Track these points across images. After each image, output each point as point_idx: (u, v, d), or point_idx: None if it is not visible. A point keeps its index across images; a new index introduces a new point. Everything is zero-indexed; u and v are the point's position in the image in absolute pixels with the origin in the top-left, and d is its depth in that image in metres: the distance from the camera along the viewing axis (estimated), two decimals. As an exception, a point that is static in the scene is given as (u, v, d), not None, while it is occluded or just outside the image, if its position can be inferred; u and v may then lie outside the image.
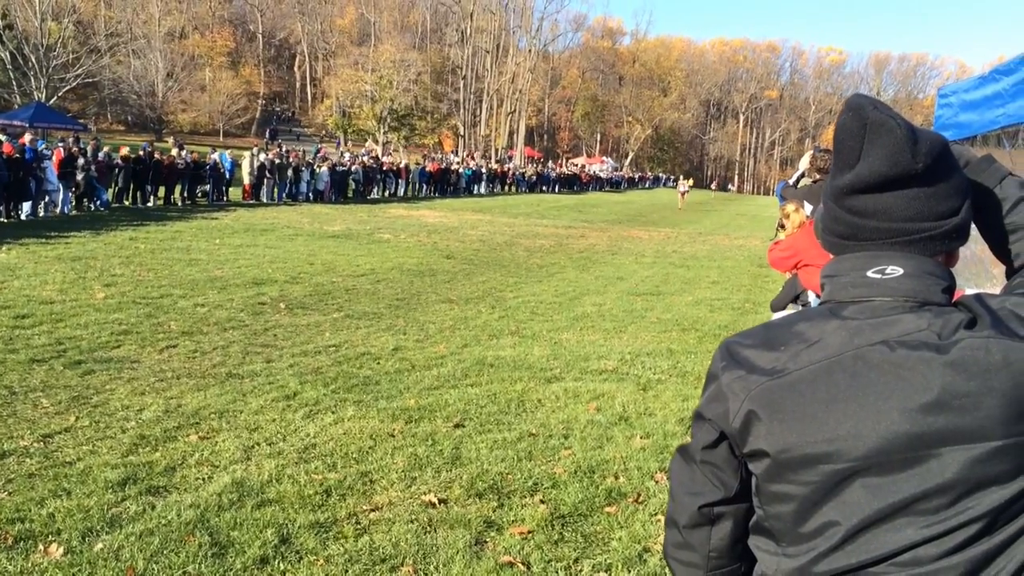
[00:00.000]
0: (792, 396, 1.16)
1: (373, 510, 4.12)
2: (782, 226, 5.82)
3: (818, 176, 6.29)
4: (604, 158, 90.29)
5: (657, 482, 4.67)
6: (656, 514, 4.24)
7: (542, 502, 4.31)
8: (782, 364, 1.19)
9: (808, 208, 5.68)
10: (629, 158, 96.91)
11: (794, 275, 5.76)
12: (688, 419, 5.91)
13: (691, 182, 60.70)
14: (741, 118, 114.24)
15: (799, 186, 7.24)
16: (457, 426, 5.49)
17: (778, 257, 5.44)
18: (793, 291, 6.25)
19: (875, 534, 1.11)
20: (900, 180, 1.16)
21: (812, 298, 5.67)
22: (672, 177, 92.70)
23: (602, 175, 68.50)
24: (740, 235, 27.00)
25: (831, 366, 1.15)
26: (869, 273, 1.19)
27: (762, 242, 23.09)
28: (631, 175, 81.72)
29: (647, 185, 78.54)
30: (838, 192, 1.22)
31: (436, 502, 4.23)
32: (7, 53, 47.76)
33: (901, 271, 1.18)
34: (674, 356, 8.12)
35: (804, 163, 7.33)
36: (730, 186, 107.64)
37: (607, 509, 4.28)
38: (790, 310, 6.37)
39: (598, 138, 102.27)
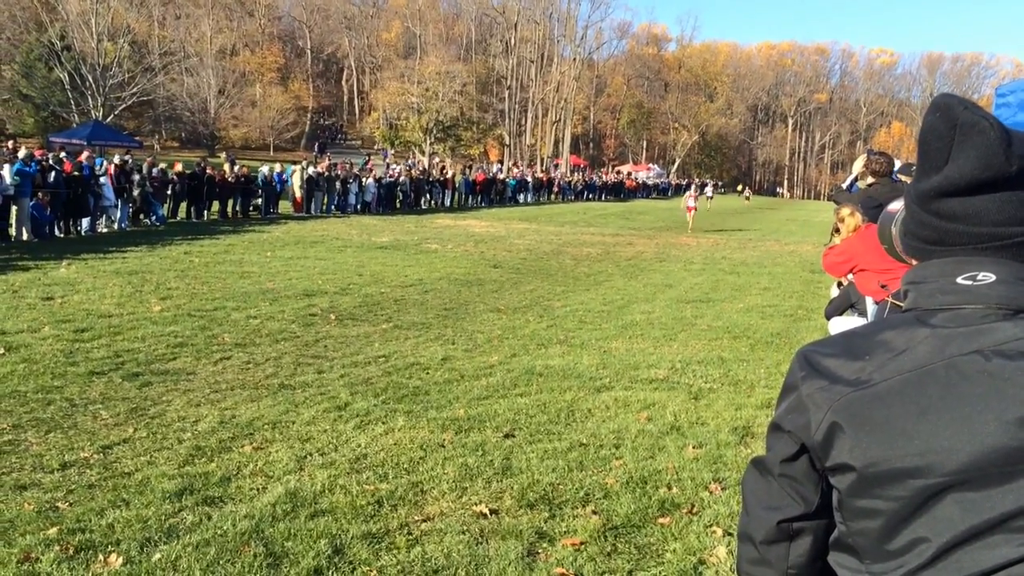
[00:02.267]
0: (880, 408, 1.11)
1: (425, 520, 4.11)
2: (837, 230, 5.70)
3: (872, 179, 6.16)
4: (651, 165, 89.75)
5: (711, 493, 4.59)
6: (711, 525, 4.17)
7: (594, 513, 4.27)
8: (867, 374, 1.14)
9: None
10: (676, 164, 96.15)
11: (850, 281, 5.64)
12: (741, 428, 5.82)
13: (742, 188, 60.08)
14: (790, 122, 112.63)
15: (853, 190, 7.10)
16: (507, 436, 5.47)
17: (833, 262, 5.33)
18: (849, 297, 6.12)
19: (968, 552, 1.05)
20: (992, 183, 1.10)
21: (869, 304, 5.55)
22: (720, 183, 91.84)
23: (649, 182, 68.13)
24: (791, 240, 26.58)
25: (922, 376, 1.10)
26: (959, 279, 1.14)
27: (814, 247, 22.69)
28: (678, 181, 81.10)
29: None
30: (924, 195, 1.17)
31: (487, 513, 4.21)
32: (65, 74, 49.24)
33: (993, 277, 1.13)
34: (726, 364, 8.00)
35: (857, 166, 7.19)
36: (779, 190, 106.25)
37: (660, 520, 4.22)
38: (846, 317, 6.24)
39: (644, 145, 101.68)
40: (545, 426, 5.73)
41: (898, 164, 6.42)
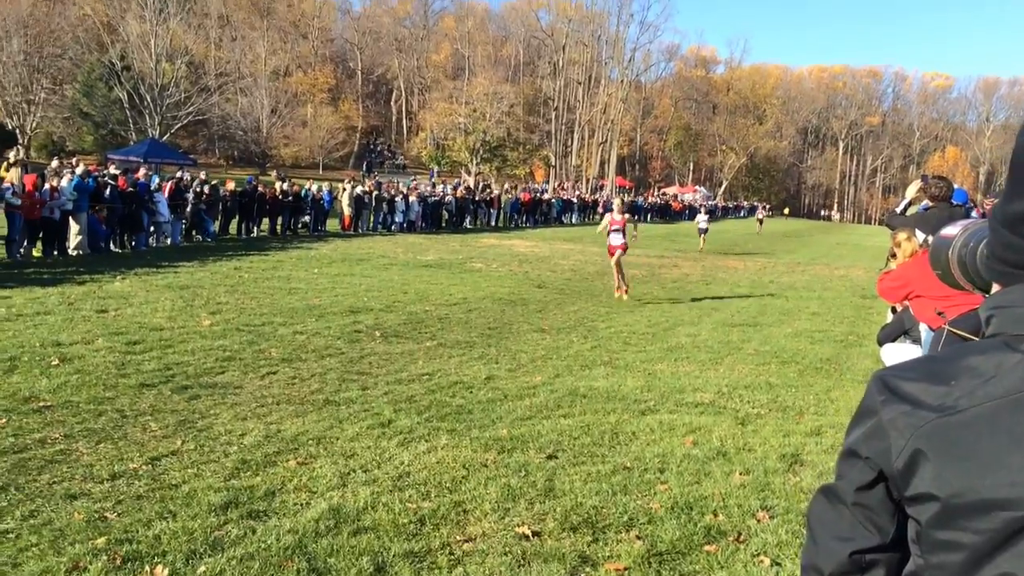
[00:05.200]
0: (968, 435, 1.07)
1: (467, 541, 4.09)
2: (893, 255, 5.58)
3: (930, 203, 6.03)
4: (697, 187, 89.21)
5: (759, 521, 4.49)
6: (758, 554, 4.07)
7: (638, 538, 4.20)
8: (953, 400, 1.10)
9: (920, 236, 5.44)
10: (723, 187, 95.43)
11: (905, 307, 5.50)
12: (789, 455, 5.69)
13: (768, 213, 58.59)
14: (840, 145, 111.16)
15: (907, 213, 6.97)
16: (550, 457, 5.42)
17: (888, 287, 5.21)
18: (903, 324, 5.98)
19: None
20: None
21: (924, 331, 5.41)
22: (766, 205, 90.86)
23: (695, 204, 67.74)
24: (841, 264, 26.14)
25: (1015, 404, 1.06)
26: None
27: (866, 272, 22.29)
28: (725, 204, 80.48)
29: (742, 214, 77.17)
30: (1015, 218, 1.13)
31: (530, 534, 4.17)
32: (124, 93, 50.69)
33: None
34: (773, 390, 7.86)
35: (912, 191, 7.06)
36: (824, 212, 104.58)
37: (706, 548, 4.13)
38: (899, 344, 6.09)
39: (691, 167, 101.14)
40: (589, 448, 5.67)
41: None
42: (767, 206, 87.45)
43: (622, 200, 17.72)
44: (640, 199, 60.34)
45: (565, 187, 64.52)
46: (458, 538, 4.10)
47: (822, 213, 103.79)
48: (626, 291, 14.49)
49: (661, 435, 6.08)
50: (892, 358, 5.87)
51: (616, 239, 14.55)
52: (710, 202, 75.75)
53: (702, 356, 9.44)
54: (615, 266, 14.51)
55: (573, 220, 45.90)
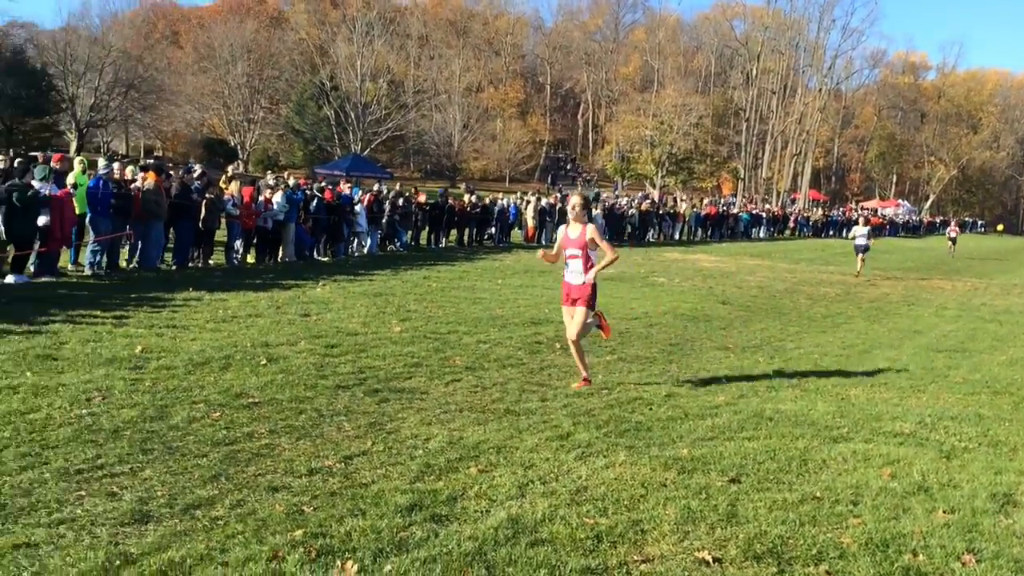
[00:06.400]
0: None
1: (644, 561, 4.02)
2: None
3: None
4: (900, 201, 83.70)
5: (964, 564, 4.12)
6: (963, 604, 3.73)
7: (828, 573, 3.96)
8: None
9: None
10: (929, 201, 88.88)
11: None
12: (1001, 495, 5.20)
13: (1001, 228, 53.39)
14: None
15: None
16: (733, 481, 5.24)
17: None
18: None
19: None
20: None
21: None
22: (981, 222, 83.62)
23: (897, 219, 63.56)
24: (1067, 288, 23.62)
25: None
26: None
27: (1097, 297, 20.03)
28: (931, 219, 74.92)
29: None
30: None
31: (710, 560, 4.04)
32: (332, 111, 54.36)
33: None
34: (984, 422, 7.20)
35: None
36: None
37: (903, 591, 3.84)
38: None
39: (893, 180, 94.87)
40: (774, 474, 5.43)
41: None
42: (977, 220, 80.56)
43: (581, 200, 8.52)
44: (835, 213, 57.28)
45: (754, 199, 62.52)
46: (636, 558, 4.04)
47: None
48: (585, 379, 7.90)
49: (855, 465, 5.72)
50: None
51: (574, 274, 8.27)
52: (914, 217, 70.85)
53: (902, 382, 8.82)
54: (573, 339, 7.95)
55: (761, 235, 44.33)
